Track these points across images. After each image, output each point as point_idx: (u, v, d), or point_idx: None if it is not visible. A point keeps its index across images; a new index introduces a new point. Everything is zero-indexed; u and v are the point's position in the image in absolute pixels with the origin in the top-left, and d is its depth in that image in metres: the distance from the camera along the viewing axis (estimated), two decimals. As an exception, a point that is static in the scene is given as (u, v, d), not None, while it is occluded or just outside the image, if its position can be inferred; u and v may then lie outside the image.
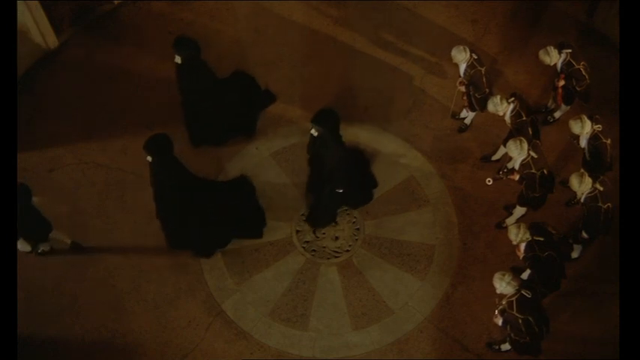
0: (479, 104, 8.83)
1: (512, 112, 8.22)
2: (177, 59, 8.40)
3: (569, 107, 9.16)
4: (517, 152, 7.82)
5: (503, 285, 6.85)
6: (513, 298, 6.83)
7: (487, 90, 8.72)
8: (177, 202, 8.11)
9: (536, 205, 8.30)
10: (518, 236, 7.26)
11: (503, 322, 7.05)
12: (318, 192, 8.61)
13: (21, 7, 9.09)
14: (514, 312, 6.84)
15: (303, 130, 9.54)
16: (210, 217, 8.42)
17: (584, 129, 7.91)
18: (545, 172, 7.88)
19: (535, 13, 10.55)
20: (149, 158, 7.64)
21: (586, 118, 7.91)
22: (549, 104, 9.49)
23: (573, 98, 8.93)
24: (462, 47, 8.54)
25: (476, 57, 8.58)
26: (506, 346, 7.80)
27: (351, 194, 8.65)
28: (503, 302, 6.96)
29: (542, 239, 7.28)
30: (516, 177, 8.03)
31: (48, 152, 9.27)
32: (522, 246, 7.32)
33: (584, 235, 8.01)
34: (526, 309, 6.85)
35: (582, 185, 7.51)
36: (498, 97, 8.16)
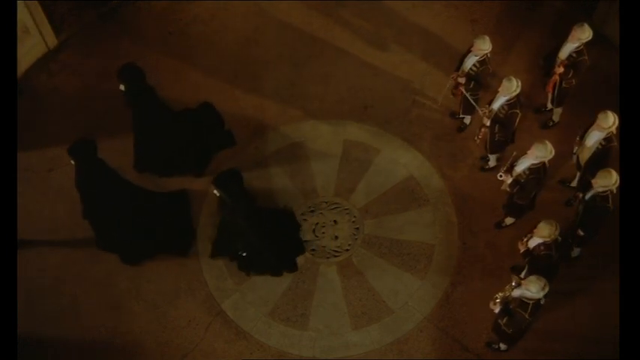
0: (468, 105, 8.76)
1: (508, 100, 8.10)
2: (121, 87, 8.31)
3: (560, 109, 9.14)
4: (542, 153, 7.59)
5: (540, 294, 6.72)
6: (530, 302, 6.80)
7: (480, 93, 8.70)
8: (102, 205, 8.13)
9: (522, 213, 8.28)
10: (553, 233, 7.14)
11: (501, 312, 7.04)
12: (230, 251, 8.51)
13: (20, 6, 9.07)
14: (526, 315, 6.84)
15: (303, 130, 9.56)
16: (136, 225, 8.43)
17: (614, 124, 7.68)
18: (542, 180, 7.86)
19: (534, 12, 10.54)
20: (72, 162, 7.72)
21: (612, 114, 7.71)
22: (548, 105, 9.48)
23: (564, 99, 8.90)
24: (486, 37, 8.33)
25: (490, 55, 8.48)
26: (505, 346, 7.81)
27: (263, 258, 8.44)
28: (508, 295, 6.94)
29: (560, 240, 7.28)
30: (508, 180, 7.92)
31: (48, 152, 9.26)
32: (533, 242, 7.30)
33: (580, 232, 7.98)
34: (535, 313, 6.86)
35: (609, 180, 7.30)
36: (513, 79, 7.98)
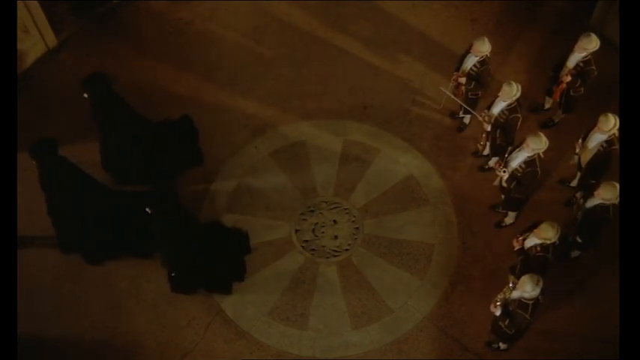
0: (471, 104, 8.78)
1: (508, 105, 8.12)
2: (85, 95, 8.24)
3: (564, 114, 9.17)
4: (537, 145, 7.62)
5: (537, 290, 6.73)
6: (530, 302, 6.81)
7: (480, 93, 8.70)
8: (65, 203, 8.07)
9: (522, 206, 8.29)
10: (554, 236, 7.16)
11: (502, 315, 7.05)
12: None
13: (20, 6, 9.09)
14: (527, 315, 6.85)
15: (302, 129, 9.56)
16: (100, 224, 8.32)
17: (615, 127, 7.70)
18: (539, 172, 7.87)
19: (534, 12, 10.55)
20: (34, 162, 7.69)
21: (613, 117, 7.73)
22: (546, 105, 9.48)
23: (573, 107, 8.90)
24: (485, 39, 8.36)
25: (489, 55, 8.49)
26: (504, 345, 7.81)
27: (195, 275, 8.30)
28: (507, 297, 6.94)
29: (558, 243, 7.30)
30: (504, 176, 7.93)
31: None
32: (530, 242, 7.30)
33: (578, 239, 7.98)
34: (535, 312, 6.86)
35: (612, 194, 7.32)
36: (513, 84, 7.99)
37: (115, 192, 8.65)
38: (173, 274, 8.17)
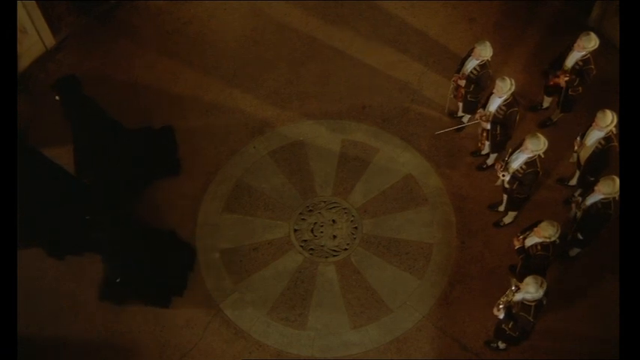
0: (470, 106, 8.79)
1: (505, 100, 8.13)
2: (56, 97, 8.18)
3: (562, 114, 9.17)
4: (536, 146, 7.62)
5: (540, 292, 6.72)
6: (532, 304, 6.81)
7: (479, 96, 8.71)
8: (31, 194, 7.91)
9: (522, 205, 8.30)
10: (554, 235, 7.15)
11: (505, 318, 7.05)
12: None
13: (18, 6, 9.06)
14: (530, 317, 6.85)
15: (301, 129, 9.56)
16: (64, 218, 8.24)
17: (612, 123, 7.71)
18: (540, 172, 7.88)
19: (532, 11, 10.56)
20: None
21: (610, 113, 7.74)
22: (544, 104, 9.49)
23: (572, 106, 8.92)
24: (487, 43, 8.35)
25: (490, 59, 8.48)
26: (503, 344, 7.82)
27: (140, 283, 8.22)
28: (510, 299, 6.95)
29: (558, 242, 7.30)
30: (505, 177, 7.92)
31: (46, 152, 9.20)
32: (530, 241, 7.31)
33: (579, 236, 8.00)
34: (538, 314, 6.86)
35: (612, 188, 7.33)
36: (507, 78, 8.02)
37: (84, 184, 8.54)
38: (118, 280, 8.05)
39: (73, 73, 8.53)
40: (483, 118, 8.36)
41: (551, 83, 8.81)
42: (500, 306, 7.03)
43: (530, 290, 6.72)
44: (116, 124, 8.77)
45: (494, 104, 8.23)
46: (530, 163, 7.78)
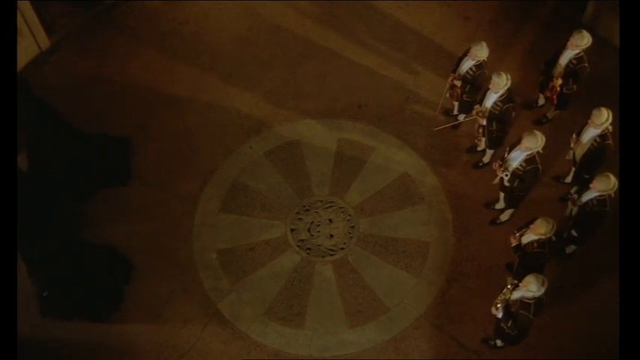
0: (465, 106, 8.80)
1: (500, 96, 8.15)
2: None
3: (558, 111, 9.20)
4: (533, 144, 7.64)
5: (542, 290, 6.73)
6: (532, 302, 6.81)
7: (475, 96, 8.72)
8: None
9: (520, 202, 8.31)
10: (550, 231, 7.17)
11: (504, 316, 7.05)
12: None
13: (13, 8, 9.04)
14: (530, 315, 6.85)
15: (297, 129, 9.56)
16: None
17: (607, 120, 7.74)
18: (540, 168, 7.89)
19: (527, 10, 10.57)
20: None
21: (605, 110, 7.75)
22: (539, 102, 9.50)
23: (567, 104, 8.94)
24: (484, 44, 8.36)
25: (486, 60, 8.50)
26: (501, 342, 7.83)
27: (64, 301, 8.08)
28: (507, 298, 6.95)
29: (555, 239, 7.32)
30: (504, 174, 7.94)
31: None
32: (527, 238, 7.32)
33: (574, 233, 8.01)
34: (538, 312, 6.87)
35: (607, 184, 7.36)
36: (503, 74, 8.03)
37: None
38: (44, 294, 7.92)
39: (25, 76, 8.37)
40: (479, 114, 8.38)
41: (549, 95, 8.91)
42: (498, 305, 7.04)
43: (531, 289, 6.73)
44: (68, 126, 8.64)
45: (490, 100, 8.26)
46: (529, 160, 7.80)
